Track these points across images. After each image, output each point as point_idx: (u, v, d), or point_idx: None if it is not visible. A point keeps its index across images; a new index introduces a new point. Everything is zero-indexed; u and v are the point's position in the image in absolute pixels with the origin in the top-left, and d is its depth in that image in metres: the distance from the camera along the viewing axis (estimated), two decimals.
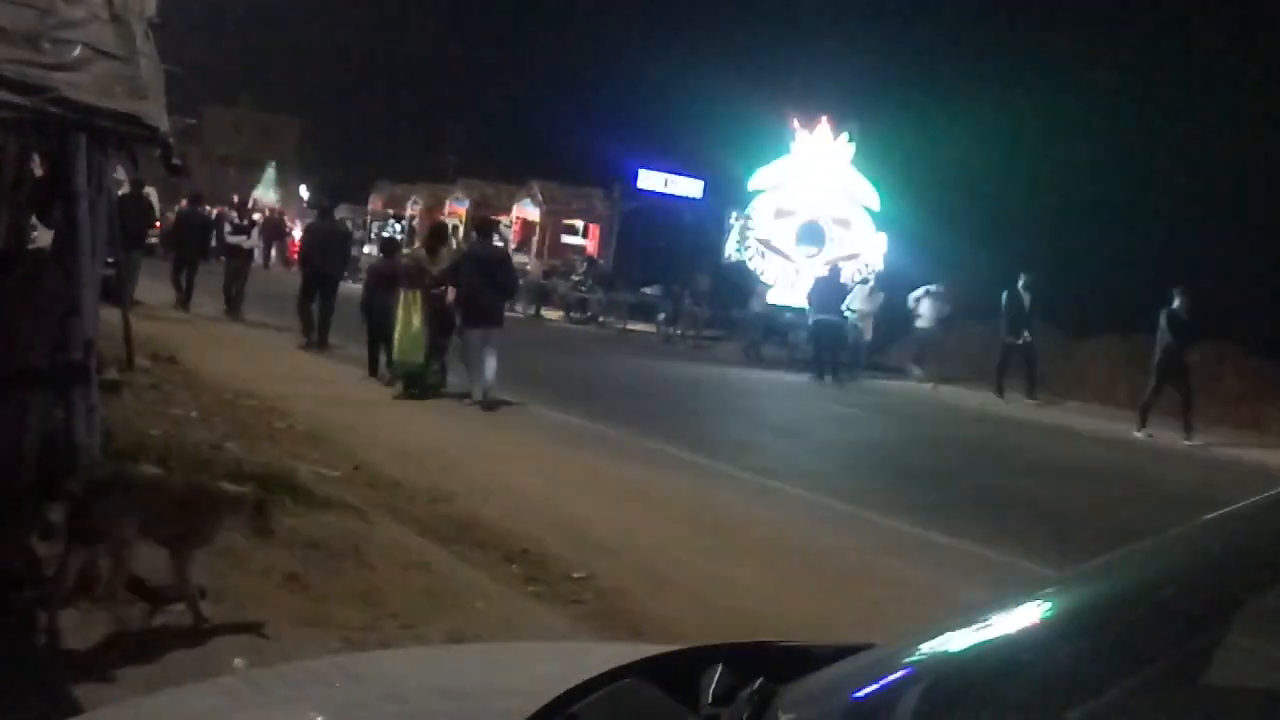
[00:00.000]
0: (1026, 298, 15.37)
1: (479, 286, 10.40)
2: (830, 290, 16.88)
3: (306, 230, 17.17)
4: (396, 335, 11.01)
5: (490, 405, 10.26)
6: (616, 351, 18.57)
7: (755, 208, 19.20)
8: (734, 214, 19.11)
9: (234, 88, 54.84)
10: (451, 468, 7.53)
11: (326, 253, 13.83)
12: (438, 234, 12.22)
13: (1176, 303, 12.72)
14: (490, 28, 38.13)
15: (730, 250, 19.43)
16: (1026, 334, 15.31)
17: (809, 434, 11.60)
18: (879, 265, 19.11)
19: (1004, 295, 15.31)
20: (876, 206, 19.40)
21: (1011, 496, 9.01)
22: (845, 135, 19.30)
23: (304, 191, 45.21)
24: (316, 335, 13.42)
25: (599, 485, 7.65)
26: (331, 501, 5.75)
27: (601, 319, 23.22)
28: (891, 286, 18.14)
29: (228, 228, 16.61)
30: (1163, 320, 12.79)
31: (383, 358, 11.31)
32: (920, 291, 16.81)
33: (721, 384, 15.16)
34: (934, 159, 20.09)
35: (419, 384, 10.66)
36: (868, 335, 17.69)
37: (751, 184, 19.22)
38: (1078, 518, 8.39)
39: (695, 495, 7.60)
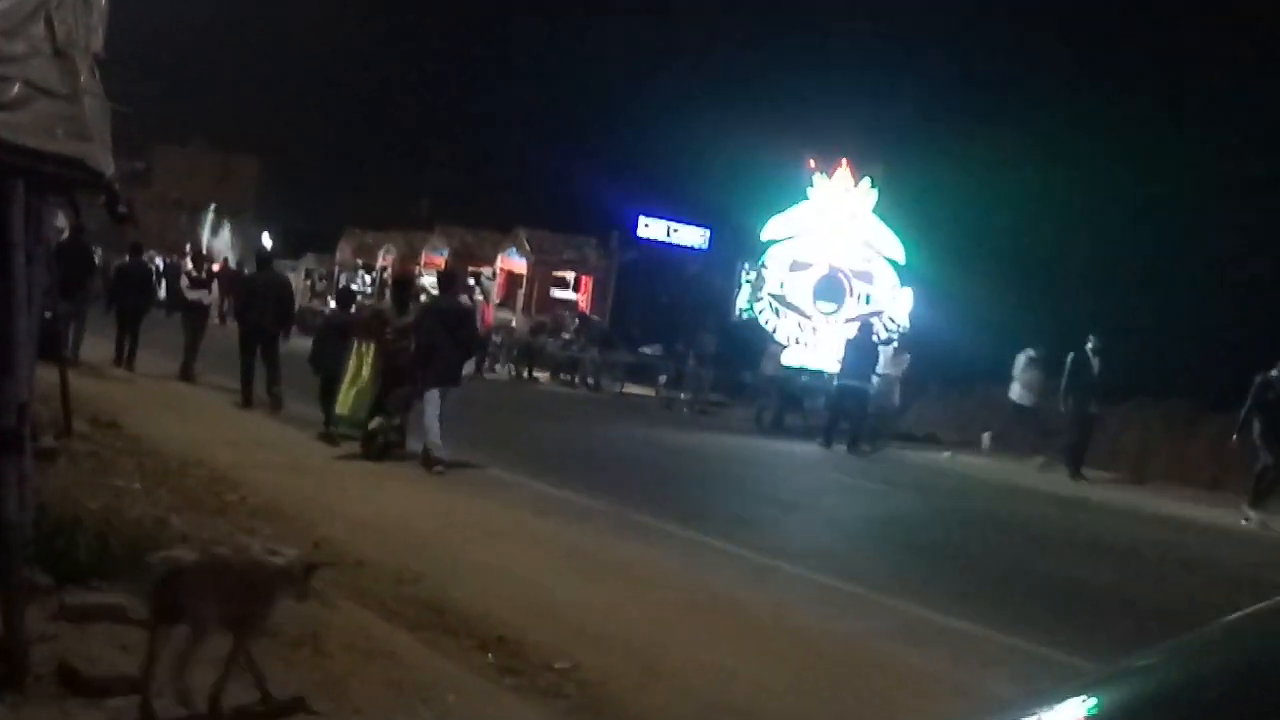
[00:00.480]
0: (1096, 363, 15.41)
1: (438, 343, 10.74)
2: (860, 353, 17.05)
3: (243, 282, 17.56)
4: (343, 389, 11.31)
5: (431, 463, 10.56)
6: (611, 418, 18.80)
7: (768, 260, 19.42)
8: (745, 266, 19.30)
9: (187, 126, 55.48)
10: (420, 544, 7.61)
11: (265, 306, 14.11)
12: (403, 285, 12.52)
13: None
14: (473, 61, 38.74)
15: (740, 306, 19.58)
16: (1094, 405, 15.37)
17: (820, 508, 11.71)
18: (904, 323, 19.24)
19: (1069, 360, 15.42)
20: (901, 259, 19.59)
21: (1048, 580, 9.08)
22: (867, 180, 19.55)
23: (267, 240, 45.68)
24: (269, 394, 13.67)
25: (584, 564, 7.74)
26: None
27: (595, 381, 23.40)
28: (918, 346, 18.39)
29: (185, 281, 16.50)
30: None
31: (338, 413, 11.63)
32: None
33: (727, 454, 15.27)
34: (964, 207, 20.48)
35: (371, 443, 10.89)
36: (894, 400, 17.89)
37: (764, 233, 19.43)
38: (1118, 600, 8.49)
39: (689, 575, 7.68)
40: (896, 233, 19.64)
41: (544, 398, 21.47)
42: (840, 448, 16.72)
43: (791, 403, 19.08)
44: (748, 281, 19.40)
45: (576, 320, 25.39)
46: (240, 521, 7.51)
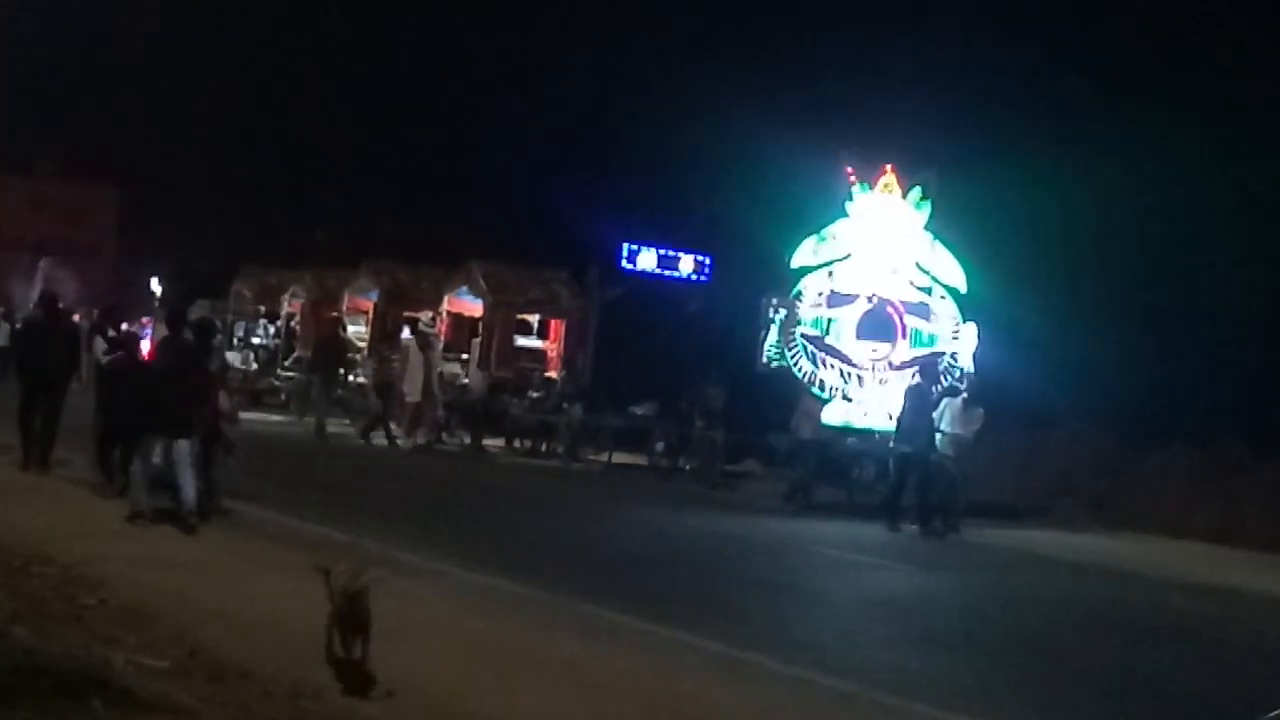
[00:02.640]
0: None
1: (168, 387, 12.24)
2: (921, 406, 17.08)
3: (22, 328, 17.92)
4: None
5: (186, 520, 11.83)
6: (596, 497, 18.79)
7: (801, 293, 19.31)
8: (773, 302, 19.27)
9: (29, 150, 54.76)
10: (319, 648, 7.57)
11: (47, 354, 14.91)
12: (202, 330, 13.80)
13: None
14: (408, 60, 38.63)
15: (768, 352, 19.51)
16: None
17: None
18: (968, 366, 19.16)
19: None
20: (963, 286, 19.51)
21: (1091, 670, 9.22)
22: (917, 191, 19.51)
23: (155, 285, 45.28)
24: (37, 453, 14.67)
25: (527, 668, 7.95)
26: (158, 703, 5.88)
27: (572, 450, 23.21)
28: (986, 396, 18.17)
29: (100, 345, 15.83)
30: None
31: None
32: None
33: (752, 542, 15.17)
34: (1037, 222, 20.53)
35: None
36: (967, 466, 17.62)
37: (795, 259, 19.34)
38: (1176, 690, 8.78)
39: (654, 679, 7.88)
40: (955, 255, 19.55)
41: (506, 475, 21.45)
42: (910, 528, 16.70)
43: (833, 472, 18.91)
44: (775, 320, 19.33)
45: (561, 373, 25.29)
46: (99, 629, 7.63)
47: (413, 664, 7.54)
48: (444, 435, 24.08)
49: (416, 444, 22.74)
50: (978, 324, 19.46)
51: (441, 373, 23.79)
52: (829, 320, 19.42)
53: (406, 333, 26.69)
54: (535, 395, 24.78)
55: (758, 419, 20.93)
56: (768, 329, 19.37)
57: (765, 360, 19.42)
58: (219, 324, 33.76)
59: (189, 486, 12.11)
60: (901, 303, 19.58)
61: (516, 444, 24.52)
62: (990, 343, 19.41)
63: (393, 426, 23.48)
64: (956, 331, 19.53)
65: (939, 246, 19.63)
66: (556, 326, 27.22)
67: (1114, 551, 16.89)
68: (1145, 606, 12.70)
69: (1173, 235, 21.89)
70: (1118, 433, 20.54)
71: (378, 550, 11.39)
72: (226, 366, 14.64)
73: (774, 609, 11.30)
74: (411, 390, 22.78)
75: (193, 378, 12.53)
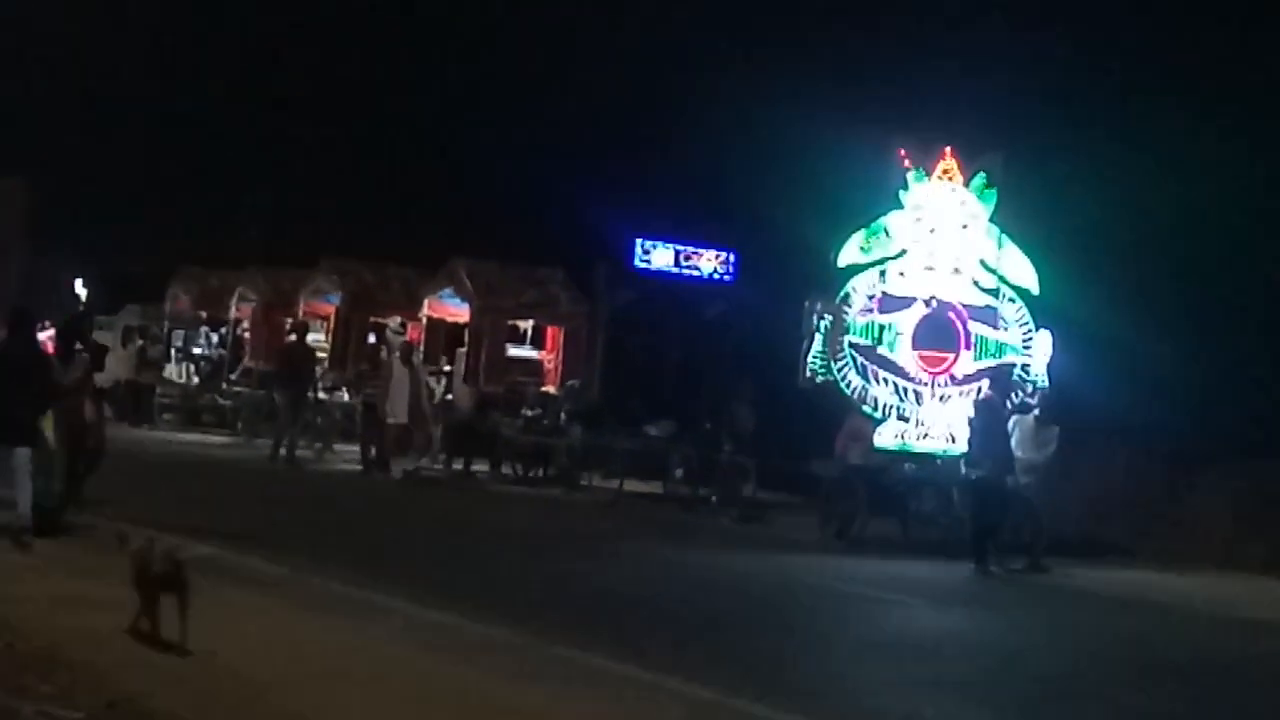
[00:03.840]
0: None
1: (6, 395, 12.87)
2: (995, 425, 16.98)
3: None
4: None
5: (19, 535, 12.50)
6: (597, 531, 18.62)
7: (849, 296, 19.11)
8: (817, 305, 19.12)
9: None
10: (258, 695, 7.93)
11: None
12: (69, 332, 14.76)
13: None
14: (363, 24, 38.17)
15: (811, 364, 19.16)
16: None
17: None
18: (1041, 378, 19.06)
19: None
20: (1034, 287, 19.37)
21: None
22: (980, 178, 19.35)
23: (80, 288, 44.77)
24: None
25: None
26: None
27: (572, 476, 23.20)
28: (1062, 414, 18.11)
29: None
30: None
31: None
32: None
33: (789, 585, 15.00)
34: (1121, 211, 20.35)
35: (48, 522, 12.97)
36: (1044, 494, 17.49)
37: (841, 258, 19.14)
38: None
39: None
40: (1025, 250, 19.41)
41: (498, 504, 21.33)
42: (1015, 566, 16.80)
43: (889, 504, 18.75)
44: (820, 328, 19.07)
45: (563, 388, 25.19)
46: (9, 677, 7.84)
47: (358, 708, 7.91)
48: (423, 460, 23.89)
49: (405, 471, 22.58)
50: (1051, 331, 19.27)
51: (431, 389, 23.59)
52: (881, 327, 19.20)
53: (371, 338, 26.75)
54: (530, 413, 24.62)
55: (795, 442, 20.73)
56: (810, 338, 19.01)
57: (808, 374, 19.08)
58: (153, 331, 33.77)
59: (24, 498, 12.81)
60: (964, 307, 19.36)
61: (508, 469, 24.37)
62: (1065, 352, 19.27)
63: (371, 450, 23.32)
64: (1028, 340, 19.36)
65: (1007, 242, 19.42)
66: (554, 334, 27.03)
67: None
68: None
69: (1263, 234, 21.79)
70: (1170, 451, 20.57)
71: (320, 585, 11.88)
72: (90, 372, 14.74)
73: (817, 663, 11.13)
74: (395, 411, 22.50)
75: (35, 383, 13.15)
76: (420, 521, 18.40)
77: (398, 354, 23.90)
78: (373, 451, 23.30)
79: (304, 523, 16.68)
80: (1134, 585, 17.05)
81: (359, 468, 23.05)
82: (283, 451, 23.44)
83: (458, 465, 24.16)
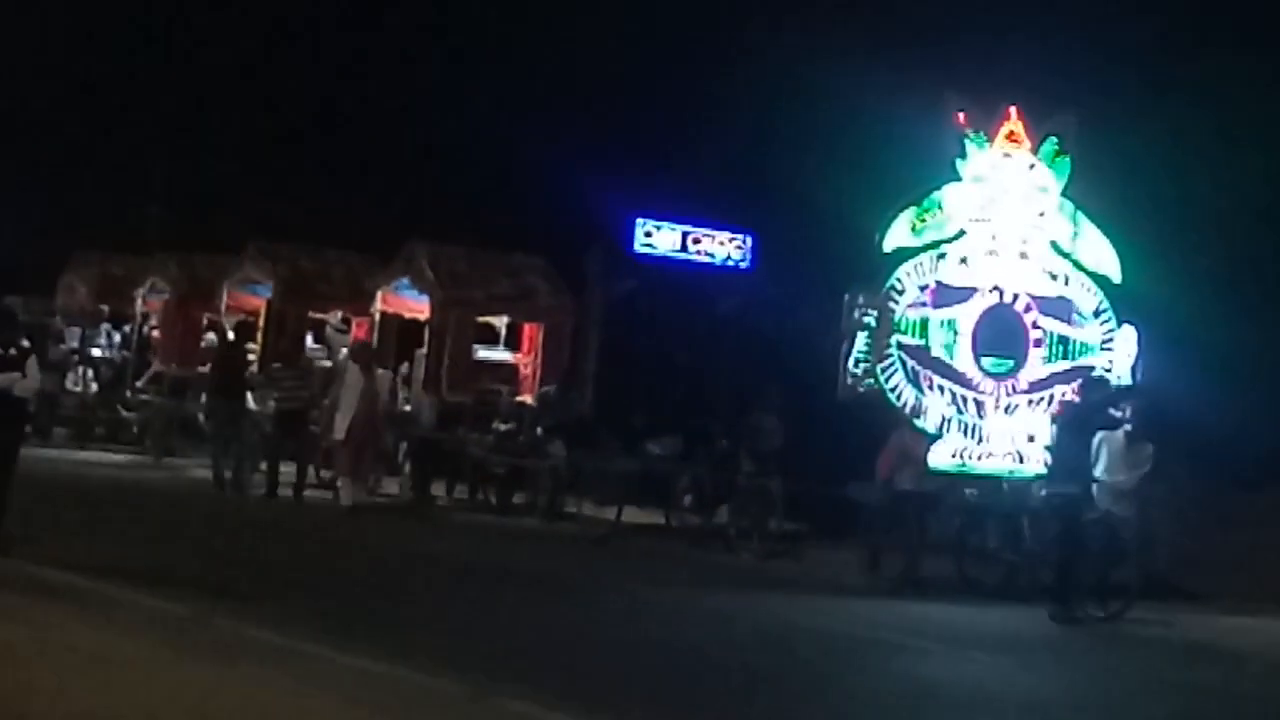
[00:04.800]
0: None
1: None
2: (1083, 439, 17.05)
3: None
4: None
5: None
6: (584, 569, 18.54)
7: (896, 288, 19.09)
8: (859, 298, 19.09)
9: None
10: None
11: None
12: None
13: None
14: None
15: (853, 369, 19.22)
16: None
17: None
18: (1126, 381, 19.10)
19: None
20: (1116, 275, 19.38)
21: None
22: (1051, 144, 19.34)
23: None
24: None
25: None
26: None
27: (553, 503, 23.18)
28: (1156, 428, 18.23)
29: None
30: None
31: None
32: None
33: (826, 637, 14.94)
34: (1219, 182, 20.30)
35: None
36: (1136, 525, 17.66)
37: (887, 241, 19.14)
38: None
39: None
40: (1105, 230, 19.40)
41: (461, 536, 21.21)
42: (1096, 612, 16.69)
43: (945, 537, 18.79)
44: (862, 326, 19.08)
45: (541, 396, 25.21)
46: None
47: None
48: (380, 480, 24.16)
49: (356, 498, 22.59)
50: (1136, 327, 19.29)
51: (388, 402, 23.62)
52: (936, 324, 19.19)
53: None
54: (503, 428, 24.64)
55: (830, 462, 20.76)
56: (851, 337, 19.03)
57: (848, 381, 19.09)
58: (55, 327, 33.59)
59: None
60: (1033, 298, 19.34)
61: (478, 495, 24.46)
62: (1153, 353, 19.37)
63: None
64: (1109, 338, 19.33)
65: (1083, 220, 19.41)
66: (532, 332, 27.08)
67: None
68: None
69: None
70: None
71: (230, 628, 12.00)
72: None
73: None
74: (339, 425, 22.41)
75: None
76: (362, 556, 18.40)
77: (348, 356, 23.84)
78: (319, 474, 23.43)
79: (223, 557, 16.66)
80: (1256, 636, 16.81)
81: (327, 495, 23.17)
82: (228, 475, 23.60)
83: (414, 490, 24.17)
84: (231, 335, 27.15)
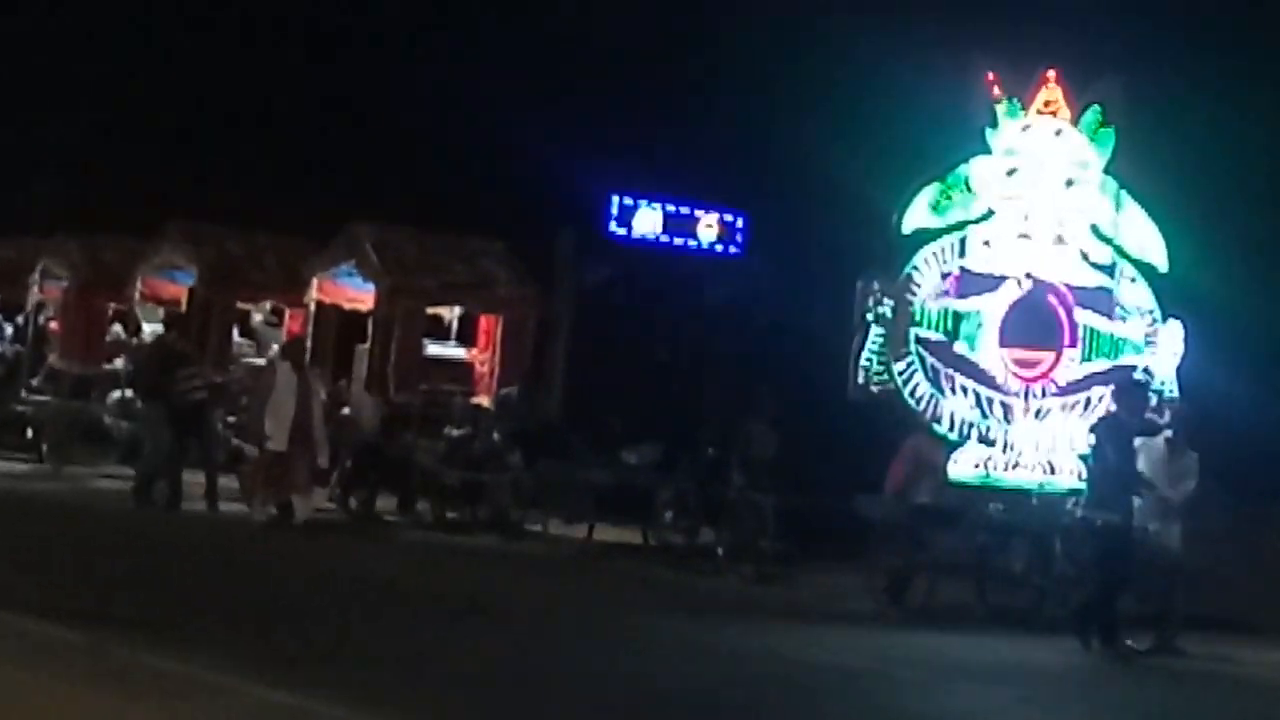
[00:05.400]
0: None
1: None
2: (1122, 452, 16.91)
3: None
4: None
5: None
6: (550, 595, 18.49)
7: (916, 275, 19.12)
8: (874, 286, 19.03)
9: None
10: None
11: None
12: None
13: None
14: None
15: (866, 366, 19.17)
16: None
17: None
18: (1170, 385, 19.11)
19: None
20: (1163, 263, 19.37)
21: None
22: (1093, 113, 19.27)
23: None
24: None
25: None
26: None
27: (509, 517, 23.31)
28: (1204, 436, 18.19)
29: None
30: None
31: None
32: None
33: (830, 673, 14.89)
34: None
35: None
36: (1176, 544, 17.57)
37: (907, 222, 19.11)
38: None
39: None
40: (1151, 213, 19.34)
41: (415, 556, 21.21)
42: (1127, 646, 16.52)
43: (966, 558, 18.79)
44: (876, 318, 19.07)
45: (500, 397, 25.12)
46: None
47: None
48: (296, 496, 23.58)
49: (273, 513, 22.54)
50: (1184, 322, 19.23)
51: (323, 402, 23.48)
52: (958, 316, 19.20)
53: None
54: (456, 434, 24.60)
55: (832, 472, 20.82)
56: (864, 330, 18.98)
57: (861, 380, 19.01)
58: None
59: None
60: (1070, 289, 19.28)
61: (428, 509, 24.44)
62: (1201, 350, 19.27)
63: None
64: (1152, 334, 19.28)
65: (1127, 201, 19.35)
66: (489, 326, 27.05)
67: None
68: None
69: None
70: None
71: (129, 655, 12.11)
72: None
73: None
74: (274, 432, 22.17)
75: None
76: (289, 579, 18.29)
77: (279, 353, 23.82)
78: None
79: (128, 579, 16.49)
80: None
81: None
82: (162, 486, 23.45)
83: (355, 503, 24.24)
84: (162, 330, 27.16)
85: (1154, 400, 18.87)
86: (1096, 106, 19.37)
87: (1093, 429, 17.85)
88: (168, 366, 24.41)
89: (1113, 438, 17.19)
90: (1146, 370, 19.19)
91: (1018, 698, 14.47)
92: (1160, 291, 19.39)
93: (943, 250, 19.18)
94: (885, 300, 18.97)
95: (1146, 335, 19.34)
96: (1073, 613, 17.19)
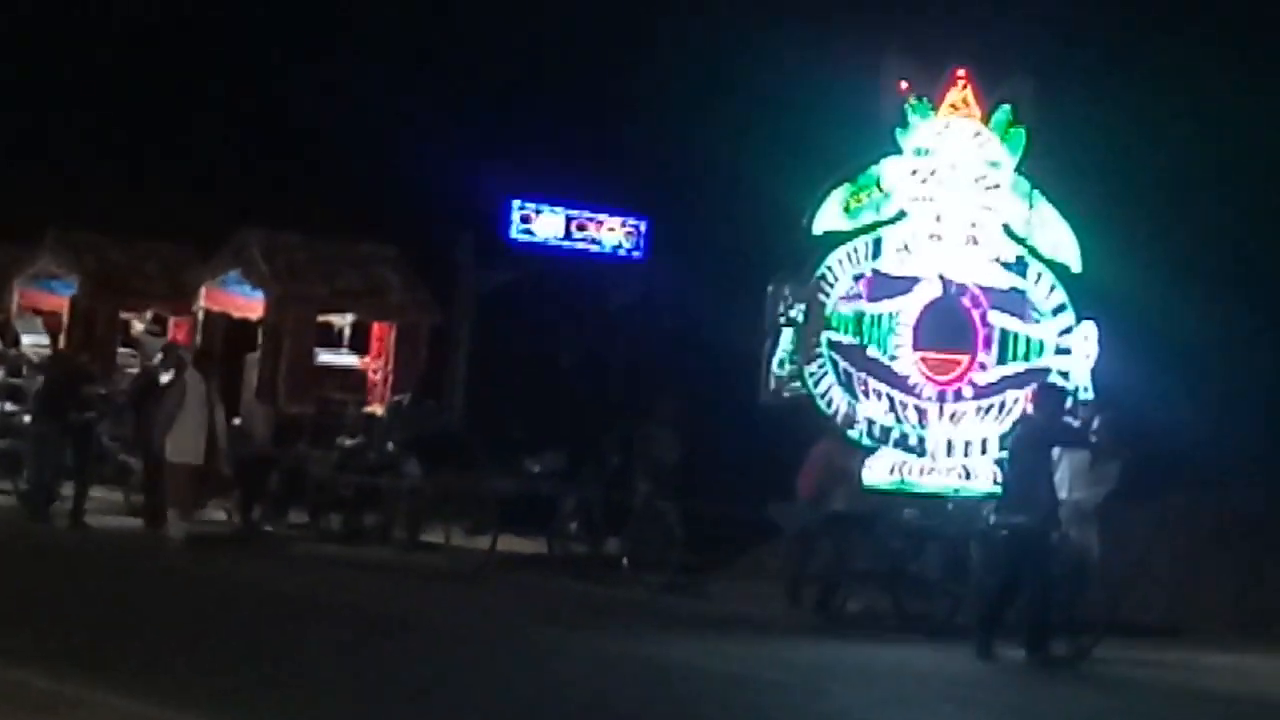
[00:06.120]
0: None
1: None
2: (1037, 458, 16.71)
3: None
4: None
5: None
6: (449, 607, 18.39)
7: (829, 274, 18.80)
8: (784, 291, 18.68)
9: None
10: None
11: None
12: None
13: None
14: None
15: (777, 370, 18.83)
16: None
17: None
18: (1085, 387, 18.87)
19: None
20: (1075, 263, 19.22)
21: None
22: (1004, 112, 19.13)
23: None
24: None
25: None
26: None
27: (406, 528, 23.07)
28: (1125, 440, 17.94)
29: None
30: None
31: None
32: None
33: (738, 684, 14.48)
34: (1200, 155, 20.32)
35: None
36: (1095, 551, 17.47)
37: (818, 223, 18.81)
38: None
39: None
40: (1063, 212, 19.20)
41: (308, 570, 21.03)
42: (1014, 654, 16.20)
43: (881, 565, 18.51)
44: (788, 321, 18.68)
45: (394, 404, 24.80)
46: None
47: None
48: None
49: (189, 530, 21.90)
50: (1097, 323, 19.03)
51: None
52: (871, 319, 18.90)
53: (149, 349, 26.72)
54: (349, 443, 24.35)
55: (740, 478, 20.60)
56: (776, 335, 18.63)
57: (773, 385, 18.68)
58: None
59: None
60: (983, 290, 19.03)
61: (321, 521, 24.24)
62: (1115, 351, 19.09)
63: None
64: (1067, 335, 19.09)
65: (1040, 200, 19.19)
66: (382, 333, 26.89)
67: None
68: None
69: None
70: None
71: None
72: None
73: None
74: (181, 445, 21.49)
75: None
76: (171, 593, 17.79)
77: (192, 364, 23.21)
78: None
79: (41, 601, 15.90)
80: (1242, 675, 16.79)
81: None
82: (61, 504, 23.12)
83: (256, 515, 23.86)
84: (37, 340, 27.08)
85: (1069, 402, 18.58)
86: (1007, 106, 19.19)
87: (1010, 431, 17.77)
88: (72, 386, 24.04)
89: (1030, 441, 17.03)
90: (1061, 374, 19.00)
91: (923, 704, 14.29)
92: (1074, 292, 19.21)
93: (854, 252, 18.88)
94: (797, 304, 18.65)
95: (1062, 337, 19.16)
96: (977, 618, 16.91)
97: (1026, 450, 17.00)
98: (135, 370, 27.79)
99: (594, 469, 22.13)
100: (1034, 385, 18.44)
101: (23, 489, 24.59)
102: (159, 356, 26.59)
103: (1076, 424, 18.20)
